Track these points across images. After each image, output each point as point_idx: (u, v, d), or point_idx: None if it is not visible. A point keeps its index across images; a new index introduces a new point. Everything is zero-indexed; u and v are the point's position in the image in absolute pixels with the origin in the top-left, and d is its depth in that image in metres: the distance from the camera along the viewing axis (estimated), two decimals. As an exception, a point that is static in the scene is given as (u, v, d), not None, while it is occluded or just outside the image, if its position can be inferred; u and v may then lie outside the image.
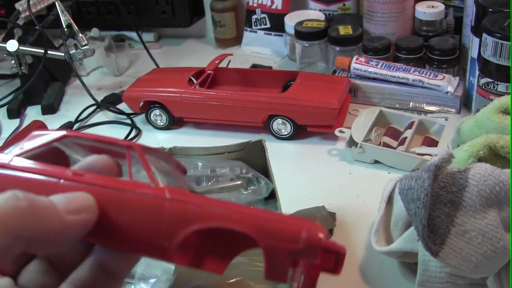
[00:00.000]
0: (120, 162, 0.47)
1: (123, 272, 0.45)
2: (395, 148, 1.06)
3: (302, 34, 1.36)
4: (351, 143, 1.09)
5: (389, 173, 1.05)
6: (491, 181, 0.67)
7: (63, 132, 0.47)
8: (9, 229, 0.37)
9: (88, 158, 0.46)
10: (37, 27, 1.38)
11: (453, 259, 0.66)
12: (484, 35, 1.03)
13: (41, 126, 1.26)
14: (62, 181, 0.44)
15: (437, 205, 0.67)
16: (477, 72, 1.09)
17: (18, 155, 0.46)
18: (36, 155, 0.47)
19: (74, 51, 1.35)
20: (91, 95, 1.34)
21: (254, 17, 1.56)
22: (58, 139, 0.47)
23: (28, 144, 0.47)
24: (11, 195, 0.38)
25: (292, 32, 1.40)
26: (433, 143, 1.07)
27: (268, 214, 0.42)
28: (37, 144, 0.47)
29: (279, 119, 1.16)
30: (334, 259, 0.41)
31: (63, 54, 1.35)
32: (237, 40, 1.63)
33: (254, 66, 1.48)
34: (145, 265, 0.77)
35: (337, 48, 1.33)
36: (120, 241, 0.43)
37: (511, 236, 0.67)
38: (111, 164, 0.46)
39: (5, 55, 1.39)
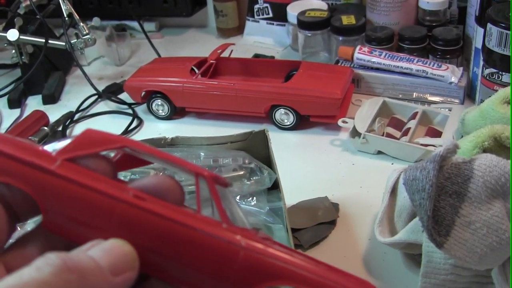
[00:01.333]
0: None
1: None
2: (398, 139, 1.06)
3: (304, 23, 1.35)
4: (354, 133, 1.08)
5: (392, 163, 1.05)
6: (497, 172, 0.66)
7: (123, 143, 0.43)
8: None
9: (152, 178, 0.43)
10: (38, 16, 1.38)
11: (458, 250, 0.65)
12: (489, 25, 1.02)
13: (41, 116, 1.25)
14: (121, 203, 0.40)
15: (442, 196, 0.67)
16: (481, 63, 1.08)
17: (67, 159, 0.42)
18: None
19: (75, 40, 1.34)
20: (92, 85, 1.34)
21: (256, 6, 1.55)
22: (115, 148, 0.43)
23: (78, 144, 0.43)
24: (59, 266, 0.35)
25: (295, 21, 1.39)
26: (437, 133, 1.07)
27: (341, 279, 0.40)
28: (88, 149, 0.43)
29: (281, 109, 1.15)
30: None
31: (64, 44, 1.34)
32: (239, 29, 1.62)
33: (256, 56, 1.47)
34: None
35: (340, 38, 1.32)
36: (179, 279, 0.41)
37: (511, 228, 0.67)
38: (177, 189, 0.43)
39: (5, 45, 1.39)
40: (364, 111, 1.12)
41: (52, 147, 0.43)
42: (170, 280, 0.41)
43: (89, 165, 0.42)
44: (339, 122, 1.11)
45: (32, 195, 0.41)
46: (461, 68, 1.20)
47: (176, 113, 1.24)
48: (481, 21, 1.11)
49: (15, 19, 1.36)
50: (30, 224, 0.52)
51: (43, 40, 1.34)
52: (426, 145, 1.02)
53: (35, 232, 0.43)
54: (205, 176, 0.42)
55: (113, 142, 0.42)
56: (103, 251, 0.38)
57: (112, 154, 0.45)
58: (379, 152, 1.07)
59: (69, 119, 1.27)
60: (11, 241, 0.42)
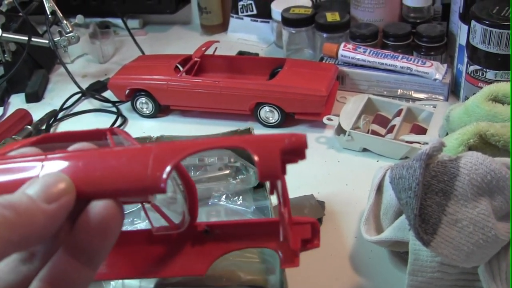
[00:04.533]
0: None
1: (98, 259, 0.43)
2: (383, 136, 1.06)
3: (289, 20, 1.35)
4: (340, 130, 1.08)
5: (377, 161, 1.05)
6: (483, 170, 0.66)
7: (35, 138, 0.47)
8: None
9: (73, 146, 0.46)
10: (20, 14, 1.37)
11: (445, 248, 0.65)
12: (473, 22, 1.02)
13: (25, 114, 1.24)
14: (44, 163, 0.43)
15: (429, 194, 0.67)
16: (465, 59, 1.08)
17: None
18: None
19: (59, 38, 1.33)
20: (76, 82, 1.33)
21: (240, 3, 1.55)
22: (35, 142, 0.46)
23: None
24: None
25: (279, 18, 1.39)
26: (422, 130, 1.07)
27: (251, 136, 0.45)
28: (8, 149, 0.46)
29: (266, 107, 1.15)
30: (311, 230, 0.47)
31: (47, 41, 1.34)
32: (223, 26, 1.62)
33: (241, 53, 1.47)
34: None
35: (325, 35, 1.32)
36: (107, 186, 0.43)
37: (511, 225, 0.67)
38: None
39: (-12, 42, 1.38)
40: (349, 108, 1.12)
41: None
42: (106, 196, 0.43)
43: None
44: (324, 120, 1.11)
45: None
46: (445, 65, 1.20)
47: (160, 111, 1.24)
48: (465, 18, 1.11)
49: (-3, 17, 1.35)
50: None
51: (26, 38, 1.33)
52: (411, 142, 1.02)
53: None
54: (116, 130, 0.47)
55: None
56: (36, 184, 0.41)
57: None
58: (365, 150, 1.07)
59: (53, 117, 1.26)
60: None
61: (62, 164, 0.43)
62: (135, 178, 0.42)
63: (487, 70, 1.04)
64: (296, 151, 0.44)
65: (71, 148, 0.46)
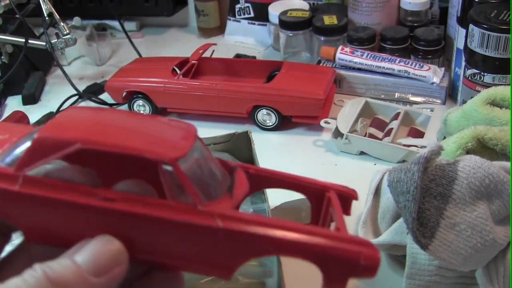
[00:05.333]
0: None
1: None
2: (381, 139, 1.06)
3: (286, 23, 1.35)
4: (337, 134, 1.08)
5: (375, 164, 1.05)
6: (481, 174, 0.66)
7: (77, 145, 0.41)
8: None
9: (123, 185, 0.43)
10: (17, 16, 1.36)
11: (443, 252, 0.65)
12: (471, 26, 1.02)
13: (22, 116, 1.24)
14: (91, 212, 0.41)
15: (427, 197, 0.67)
16: (463, 63, 1.08)
17: (27, 174, 0.42)
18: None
19: (56, 40, 1.33)
20: (72, 85, 1.33)
21: (237, 6, 1.55)
22: (71, 152, 0.42)
23: (33, 154, 0.42)
24: (41, 279, 0.36)
25: (276, 21, 1.39)
26: (419, 134, 1.07)
27: (328, 241, 0.42)
28: (44, 158, 0.42)
29: (264, 109, 1.15)
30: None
31: (44, 43, 1.33)
32: (221, 29, 1.61)
33: (238, 55, 1.47)
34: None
35: (322, 38, 1.32)
36: (174, 266, 0.42)
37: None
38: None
39: (-16, 44, 1.37)
40: (347, 111, 1.11)
41: (9, 156, 0.43)
42: (168, 267, 0.42)
43: (53, 174, 0.42)
44: (322, 123, 1.11)
45: (5, 217, 0.42)
46: (443, 69, 1.21)
47: (157, 113, 1.23)
48: (463, 21, 1.11)
49: (-6, 19, 1.35)
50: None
51: (23, 40, 1.33)
52: (409, 146, 1.02)
53: (24, 243, 0.43)
54: (169, 161, 0.41)
55: (69, 144, 0.41)
56: (86, 253, 0.38)
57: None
58: (362, 153, 1.07)
59: (50, 119, 1.26)
60: (3, 254, 0.43)
61: (120, 222, 0.40)
62: (206, 264, 0.40)
63: (485, 74, 1.04)
64: (367, 271, 0.43)
65: (122, 187, 0.42)
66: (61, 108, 1.30)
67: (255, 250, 0.40)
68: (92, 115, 0.45)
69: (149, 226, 0.40)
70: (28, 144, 0.42)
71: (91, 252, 0.39)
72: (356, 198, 0.51)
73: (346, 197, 0.50)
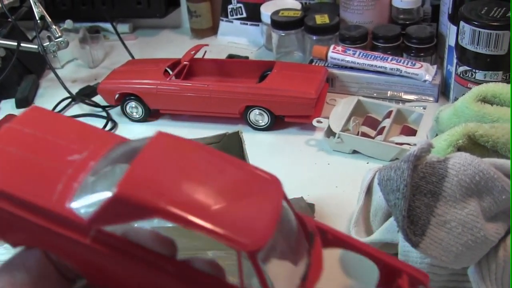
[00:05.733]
0: None
1: None
2: (373, 138, 1.06)
3: (278, 23, 1.35)
4: (329, 133, 1.08)
5: (367, 163, 1.05)
6: (471, 171, 0.66)
7: (157, 216, 0.40)
8: None
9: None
10: (9, 19, 1.36)
11: (434, 249, 0.65)
12: (462, 23, 1.02)
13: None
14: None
15: (417, 195, 0.67)
16: (455, 60, 1.08)
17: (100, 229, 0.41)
18: None
19: (48, 43, 1.32)
20: (65, 88, 1.32)
21: (230, 6, 1.55)
22: (148, 218, 0.40)
23: (111, 212, 0.40)
24: None
25: (269, 21, 1.39)
26: (412, 132, 1.07)
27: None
28: (122, 219, 0.40)
29: (256, 109, 1.15)
30: None
31: (36, 47, 1.33)
32: (213, 30, 1.61)
33: (231, 56, 1.46)
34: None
35: (314, 37, 1.32)
36: None
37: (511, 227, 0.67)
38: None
39: (-23, 48, 1.37)
40: (339, 110, 1.11)
41: (86, 198, 0.42)
42: None
43: (129, 234, 0.42)
44: (314, 122, 1.11)
45: (71, 264, 0.42)
46: (435, 66, 1.21)
47: (150, 115, 1.23)
48: (454, 19, 1.11)
49: (-14, 23, 1.35)
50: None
51: (15, 43, 1.33)
52: (401, 144, 1.02)
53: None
54: (246, 252, 0.40)
55: (151, 213, 0.39)
56: None
57: None
58: (355, 152, 1.07)
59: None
60: None
61: None
62: None
63: (476, 71, 1.04)
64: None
65: (197, 265, 0.42)
66: (54, 111, 1.30)
67: None
68: (177, 162, 0.43)
69: None
70: (107, 195, 0.40)
71: None
72: (426, 284, 0.52)
73: (416, 280, 0.51)
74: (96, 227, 0.41)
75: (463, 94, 0.96)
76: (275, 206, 0.43)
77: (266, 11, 1.42)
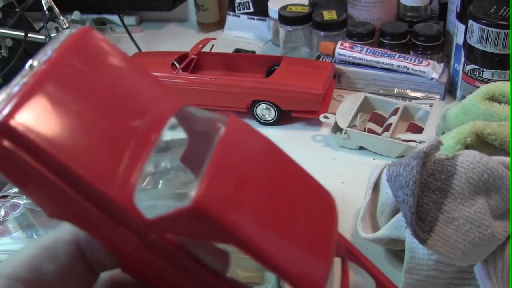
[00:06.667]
0: None
1: None
2: (380, 134, 1.06)
3: (285, 18, 1.35)
4: (336, 129, 1.08)
5: (374, 159, 1.05)
6: (480, 168, 0.66)
7: (230, 245, 0.35)
8: None
9: None
10: (17, 10, 1.36)
11: (441, 246, 0.65)
12: (470, 22, 1.02)
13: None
14: None
15: (426, 192, 0.67)
16: (462, 59, 1.08)
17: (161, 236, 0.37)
18: None
19: (55, 34, 1.32)
20: (72, 79, 1.32)
21: (237, 1, 1.55)
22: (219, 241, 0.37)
23: (179, 221, 0.34)
24: None
25: (276, 16, 1.39)
26: (418, 129, 1.07)
27: None
28: (191, 236, 0.36)
29: (263, 104, 1.15)
30: None
31: (44, 37, 1.33)
32: (220, 24, 1.61)
33: (237, 50, 1.46)
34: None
35: (321, 33, 1.32)
36: None
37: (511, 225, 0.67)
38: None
39: (-16, 38, 1.37)
40: (346, 106, 1.12)
41: (150, 202, 0.37)
42: None
43: (189, 247, 0.39)
44: (321, 118, 1.11)
45: (116, 257, 0.39)
46: (442, 64, 1.21)
47: (157, 108, 1.23)
48: (462, 17, 1.11)
49: (-6, 12, 1.35)
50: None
51: (23, 34, 1.33)
52: (408, 141, 1.02)
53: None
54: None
55: (227, 239, 0.34)
56: None
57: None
58: (361, 148, 1.07)
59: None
60: None
61: None
62: None
63: (484, 70, 1.04)
64: None
65: None
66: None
67: None
68: (251, 166, 0.38)
69: None
70: (178, 200, 0.36)
71: None
72: None
73: None
74: (158, 232, 0.36)
75: (470, 93, 0.97)
76: (331, 234, 0.40)
77: (273, 6, 1.42)
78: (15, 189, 0.80)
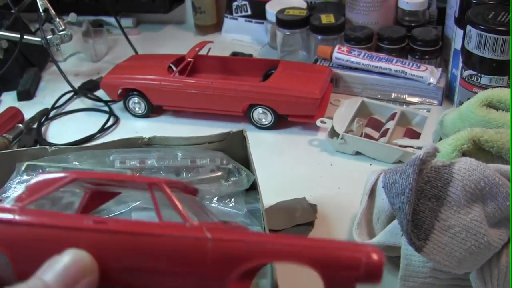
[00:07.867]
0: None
1: None
2: (377, 140, 1.05)
3: (283, 22, 1.35)
4: (333, 133, 1.08)
5: (370, 164, 1.04)
6: (476, 176, 0.66)
7: (73, 176, 0.44)
8: None
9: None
10: (12, 11, 1.35)
11: (437, 254, 0.65)
12: (468, 27, 1.02)
13: (16, 112, 1.23)
14: (84, 231, 0.42)
15: (422, 200, 0.66)
16: (460, 64, 1.08)
17: (23, 207, 0.43)
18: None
19: (51, 36, 1.32)
20: (68, 81, 1.32)
21: (235, 3, 1.54)
22: (66, 184, 0.44)
23: (30, 191, 0.44)
24: None
25: (274, 19, 1.38)
26: (415, 134, 1.07)
27: (323, 243, 0.41)
28: (41, 191, 0.44)
29: (259, 108, 1.14)
30: None
31: (39, 39, 1.32)
32: (217, 27, 1.61)
33: (235, 53, 1.46)
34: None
35: (319, 37, 1.31)
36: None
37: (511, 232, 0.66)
38: None
39: (-21, 40, 1.36)
40: (343, 111, 1.11)
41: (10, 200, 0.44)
42: None
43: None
44: (318, 122, 1.10)
45: (4, 252, 0.42)
46: (440, 69, 1.20)
47: (153, 111, 1.23)
48: (461, 22, 1.11)
49: (-11, 14, 1.34)
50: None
51: (18, 35, 1.32)
52: (405, 146, 1.02)
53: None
54: (157, 183, 0.43)
55: (61, 179, 0.43)
56: (54, 270, 0.40)
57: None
58: (357, 153, 1.07)
59: (44, 116, 1.26)
60: None
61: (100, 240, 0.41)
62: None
63: (482, 75, 1.03)
64: (370, 277, 0.41)
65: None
66: (56, 105, 1.29)
67: (243, 259, 0.40)
68: None
69: (139, 245, 0.41)
70: None
71: (59, 268, 0.40)
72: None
73: None
74: (20, 205, 0.44)
75: (468, 98, 0.96)
76: None
77: (271, 9, 1.42)
78: (8, 193, 0.79)
